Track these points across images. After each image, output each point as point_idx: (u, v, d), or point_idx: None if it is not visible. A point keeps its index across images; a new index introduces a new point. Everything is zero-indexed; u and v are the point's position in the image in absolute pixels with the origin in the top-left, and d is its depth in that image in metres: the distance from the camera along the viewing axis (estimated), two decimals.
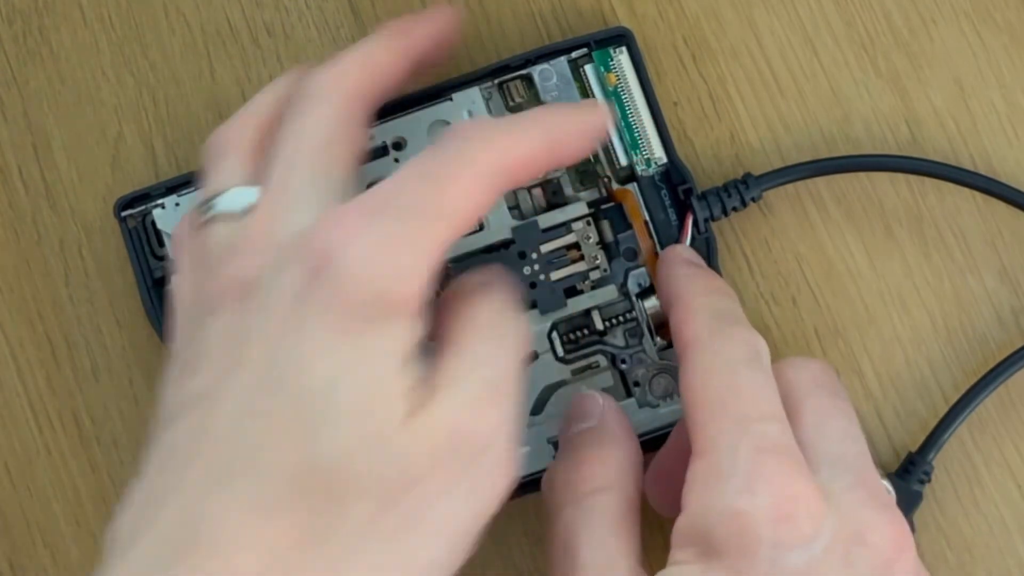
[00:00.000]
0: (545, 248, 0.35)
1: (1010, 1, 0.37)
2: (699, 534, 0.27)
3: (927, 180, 0.37)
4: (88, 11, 0.38)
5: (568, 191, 0.36)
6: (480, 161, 0.27)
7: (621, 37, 0.36)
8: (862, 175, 0.37)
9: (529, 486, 0.35)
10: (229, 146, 0.31)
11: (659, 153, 0.35)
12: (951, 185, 0.36)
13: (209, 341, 0.27)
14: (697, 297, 0.31)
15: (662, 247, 0.35)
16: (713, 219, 0.35)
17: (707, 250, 0.35)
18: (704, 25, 0.37)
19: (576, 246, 0.36)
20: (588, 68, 0.36)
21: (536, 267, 0.35)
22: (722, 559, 0.26)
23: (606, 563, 0.28)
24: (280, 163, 0.29)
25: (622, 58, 0.36)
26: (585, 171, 0.36)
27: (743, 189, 0.35)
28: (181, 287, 0.30)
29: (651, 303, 0.35)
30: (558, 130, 0.29)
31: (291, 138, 0.29)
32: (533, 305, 0.35)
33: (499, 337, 0.28)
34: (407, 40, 0.32)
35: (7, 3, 0.39)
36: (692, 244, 0.35)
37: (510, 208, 0.36)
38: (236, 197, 0.29)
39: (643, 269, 0.35)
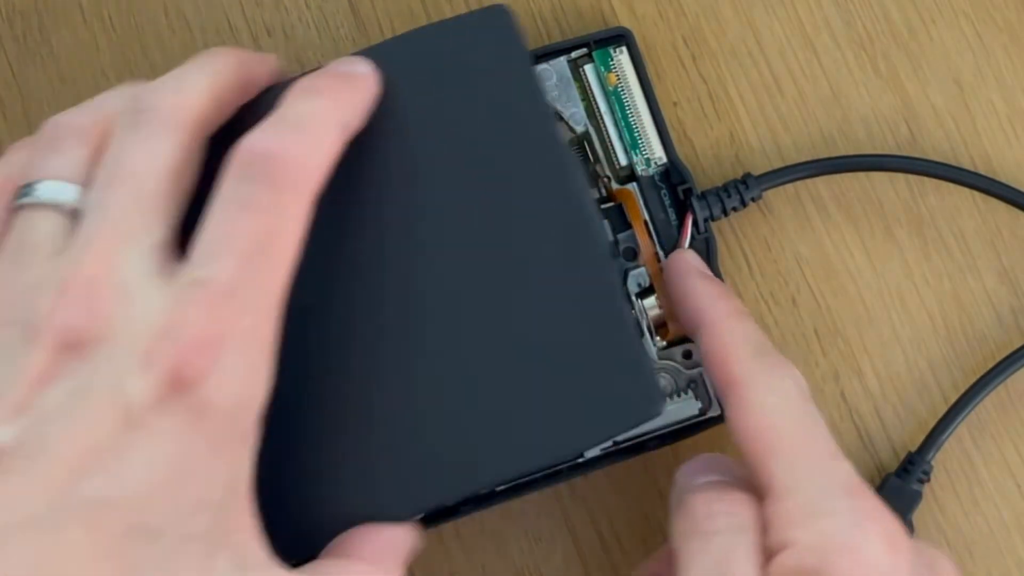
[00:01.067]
0: None
1: (1010, 1, 0.37)
2: (812, 570, 0.27)
3: (927, 180, 0.37)
4: (88, 11, 0.38)
5: None
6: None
7: (621, 37, 0.36)
8: (862, 175, 0.37)
9: (526, 487, 0.35)
10: (70, 134, 0.29)
11: (659, 153, 0.35)
12: (951, 185, 0.36)
13: (23, 383, 0.25)
14: (727, 324, 0.32)
15: (662, 247, 0.35)
16: (713, 219, 0.35)
17: (707, 250, 0.35)
18: (704, 25, 0.37)
19: None
20: (588, 68, 0.36)
21: None
22: None
23: None
24: (122, 183, 0.28)
25: (622, 58, 0.36)
26: (585, 171, 0.36)
27: (743, 189, 0.35)
28: None
29: (651, 303, 0.35)
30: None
31: (136, 165, 0.28)
32: None
33: None
34: (249, 75, 0.31)
35: (7, 3, 0.39)
36: (692, 244, 0.35)
37: None
38: (65, 191, 0.28)
39: (643, 269, 0.35)
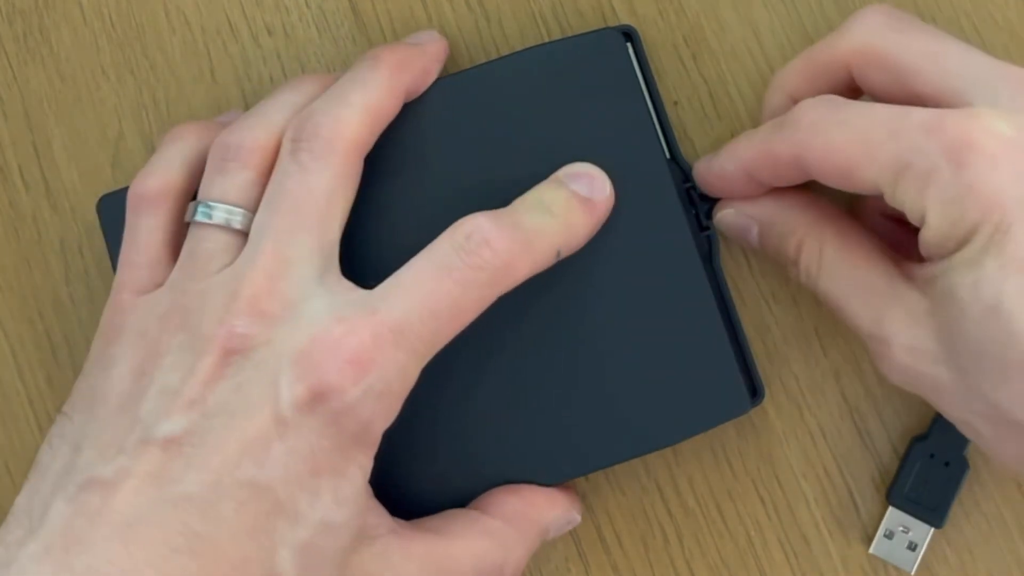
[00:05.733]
0: None
1: (1010, 1, 0.37)
2: (953, 227, 0.28)
3: None
4: (88, 10, 0.38)
5: None
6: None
7: (626, 35, 0.35)
8: None
9: None
10: (236, 156, 0.32)
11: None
12: None
13: (193, 382, 0.30)
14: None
15: None
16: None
17: (708, 248, 0.35)
18: (704, 25, 0.37)
19: None
20: None
21: None
22: (982, 227, 0.28)
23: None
24: (284, 210, 0.31)
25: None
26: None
27: None
28: (141, 252, 0.33)
29: None
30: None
31: (297, 192, 0.31)
32: None
33: None
34: (407, 79, 0.33)
35: (8, 2, 0.39)
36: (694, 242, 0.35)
37: None
38: (237, 216, 0.32)
39: None
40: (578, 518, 0.35)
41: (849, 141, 0.30)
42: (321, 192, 0.31)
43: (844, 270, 0.32)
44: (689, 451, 0.36)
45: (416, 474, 0.34)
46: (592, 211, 0.33)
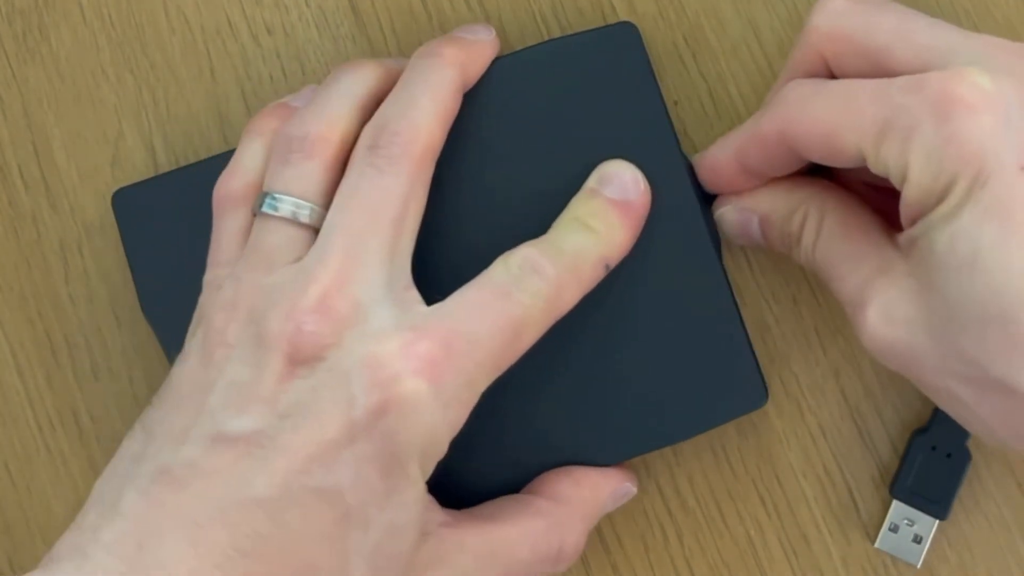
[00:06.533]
0: None
1: (1010, 0, 0.37)
2: (934, 180, 0.28)
3: None
4: (88, 10, 0.38)
5: None
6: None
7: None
8: None
9: None
10: (301, 147, 0.32)
11: None
12: None
13: (264, 380, 0.29)
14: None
15: None
16: None
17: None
18: (704, 23, 0.37)
19: None
20: None
21: None
22: (961, 179, 0.28)
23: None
24: (357, 218, 0.31)
25: None
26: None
27: None
28: (225, 251, 0.33)
29: None
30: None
31: (373, 193, 0.31)
32: None
33: None
34: (470, 79, 0.34)
35: (7, 2, 0.39)
36: None
37: None
38: (304, 210, 0.31)
39: None
40: (634, 489, 0.35)
41: (832, 109, 0.30)
42: (397, 195, 0.31)
43: (839, 239, 0.31)
44: (689, 451, 0.36)
45: (461, 467, 0.33)
46: (631, 213, 0.33)
